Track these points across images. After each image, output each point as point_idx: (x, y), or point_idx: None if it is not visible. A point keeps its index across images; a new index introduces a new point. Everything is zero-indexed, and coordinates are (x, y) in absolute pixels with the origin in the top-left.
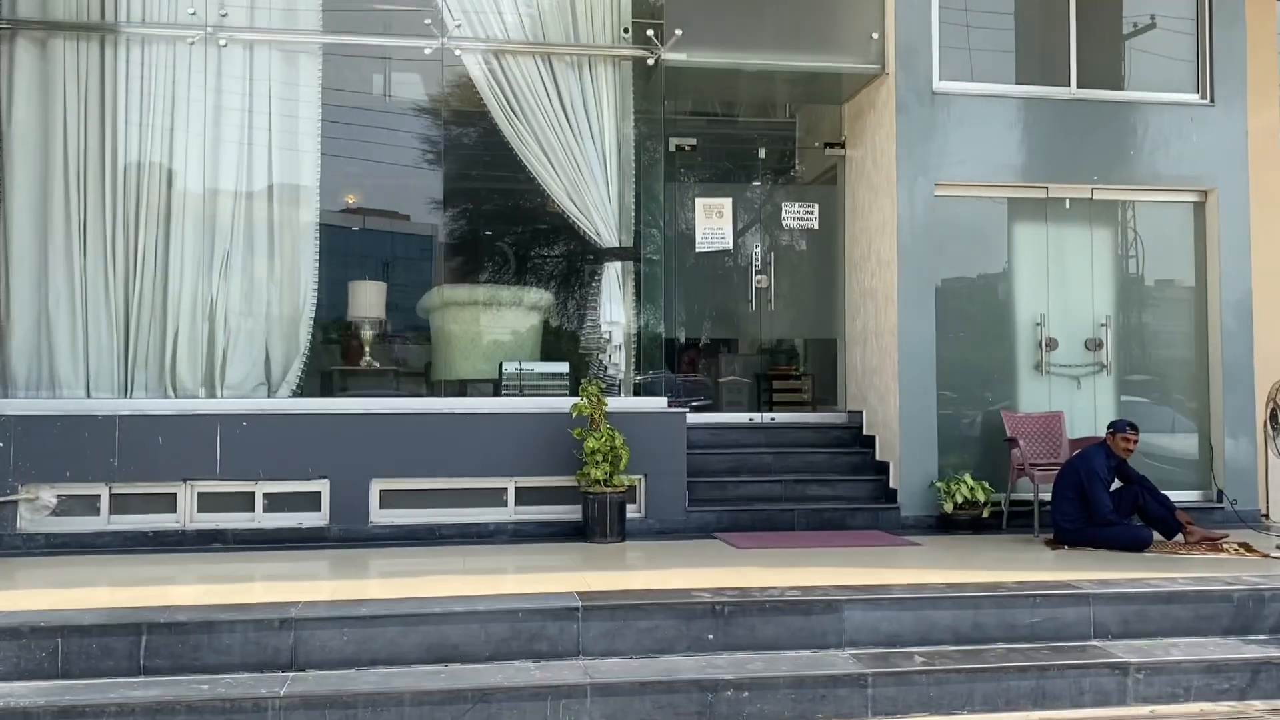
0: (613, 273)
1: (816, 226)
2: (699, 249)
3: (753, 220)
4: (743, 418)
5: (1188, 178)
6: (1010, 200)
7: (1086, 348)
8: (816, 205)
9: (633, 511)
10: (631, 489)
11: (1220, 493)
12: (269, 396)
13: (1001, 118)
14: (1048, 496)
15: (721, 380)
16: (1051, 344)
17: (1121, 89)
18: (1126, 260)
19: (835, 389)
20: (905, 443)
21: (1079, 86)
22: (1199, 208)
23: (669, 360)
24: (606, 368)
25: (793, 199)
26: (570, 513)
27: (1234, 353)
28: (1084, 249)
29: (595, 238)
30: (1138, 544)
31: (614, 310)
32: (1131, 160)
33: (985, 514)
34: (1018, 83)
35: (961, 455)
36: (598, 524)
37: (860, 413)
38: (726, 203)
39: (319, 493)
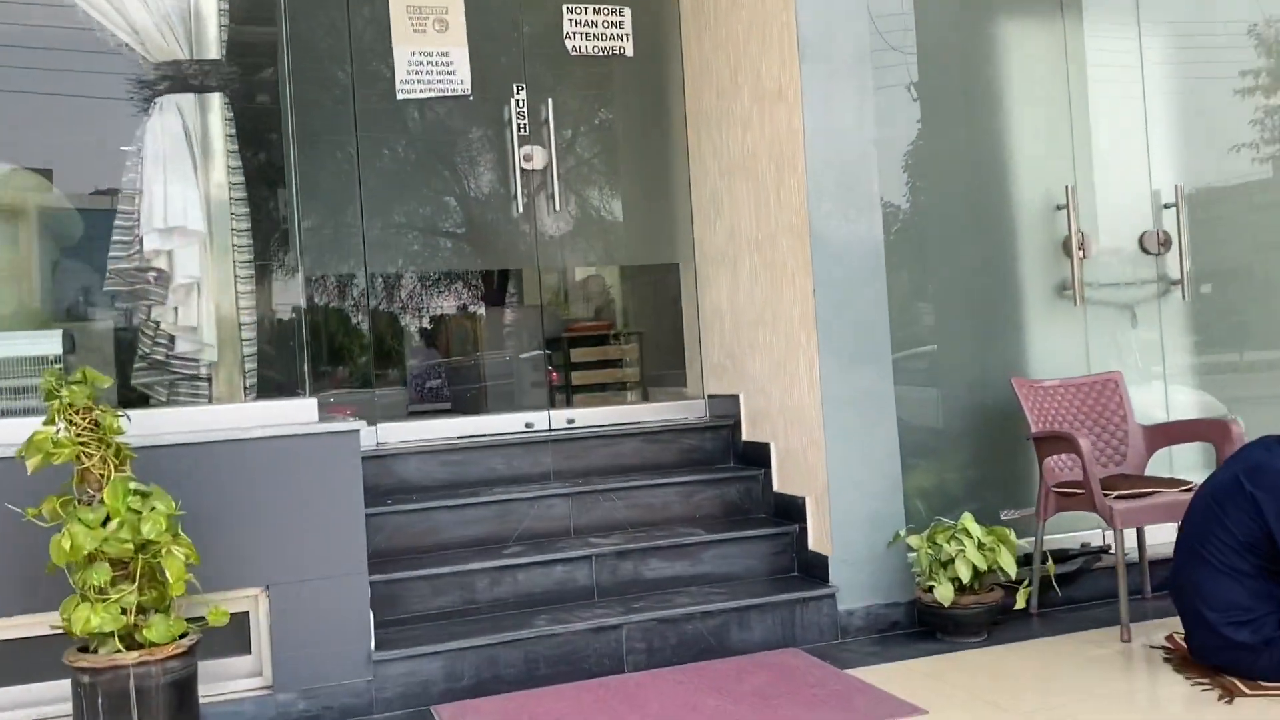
0: (174, 123)
1: (631, 51)
2: (402, 94)
3: (510, 44)
4: (514, 422)
5: None
6: None
7: (1143, 248)
8: (629, 10)
9: (240, 681)
10: (243, 629)
11: None
12: None
13: None
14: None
15: (467, 358)
16: (1085, 245)
17: None
18: (1202, 90)
19: (681, 359)
20: (836, 456)
21: None
22: None
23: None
24: (156, 342)
25: None
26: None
27: None
28: (1130, 67)
29: (137, 46)
30: None
31: (175, 205)
32: None
33: (1020, 601)
34: None
35: (939, 470)
36: None
37: (733, 399)
38: (454, 5)
39: None
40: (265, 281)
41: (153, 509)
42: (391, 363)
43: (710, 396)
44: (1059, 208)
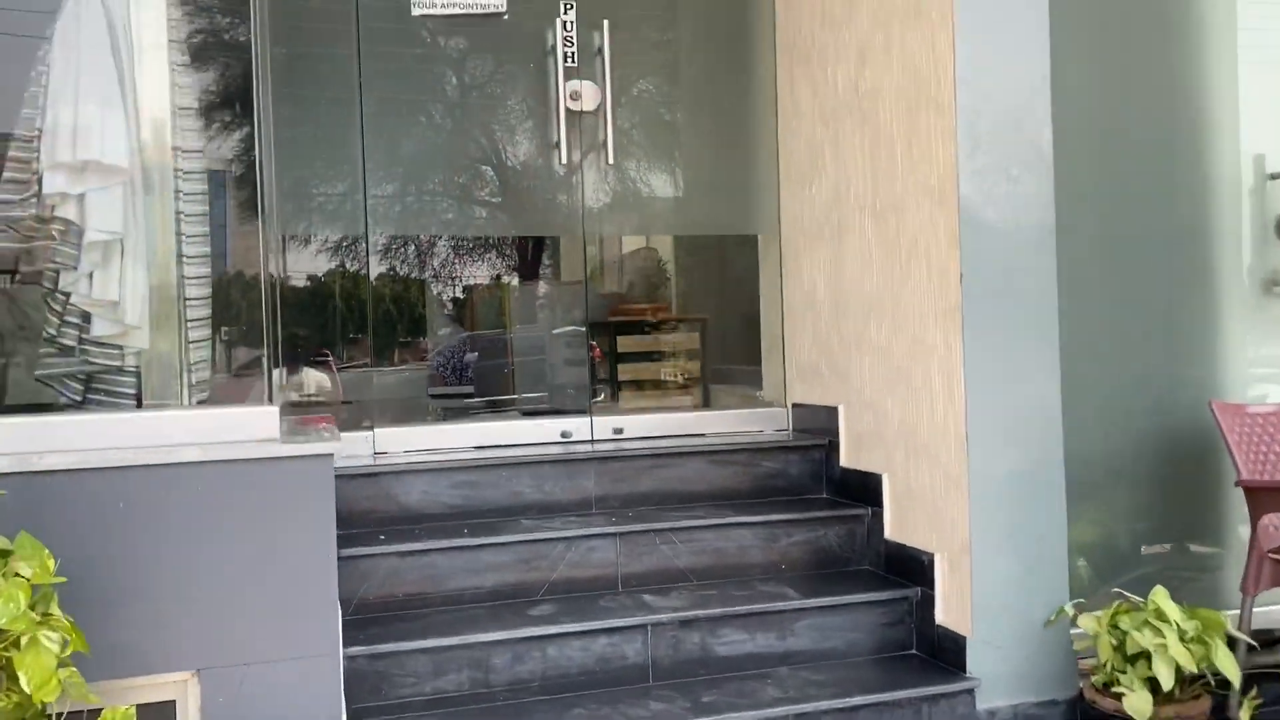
0: (94, 17)
1: None
2: (418, 9)
3: None
4: (548, 431)
5: None
6: None
7: None
8: None
9: None
10: None
11: None
12: None
13: None
14: None
15: (490, 351)
16: None
17: None
18: None
19: (755, 354)
20: (984, 503)
21: None
22: None
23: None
24: (66, 322)
25: None
26: None
27: None
28: None
29: None
30: None
31: (89, 133)
32: None
33: (1245, 717)
34: None
35: (1103, 519)
36: None
37: (828, 411)
38: None
39: None
40: (234, 243)
41: (13, 576)
42: (402, 341)
43: (796, 406)
44: (1272, 177)
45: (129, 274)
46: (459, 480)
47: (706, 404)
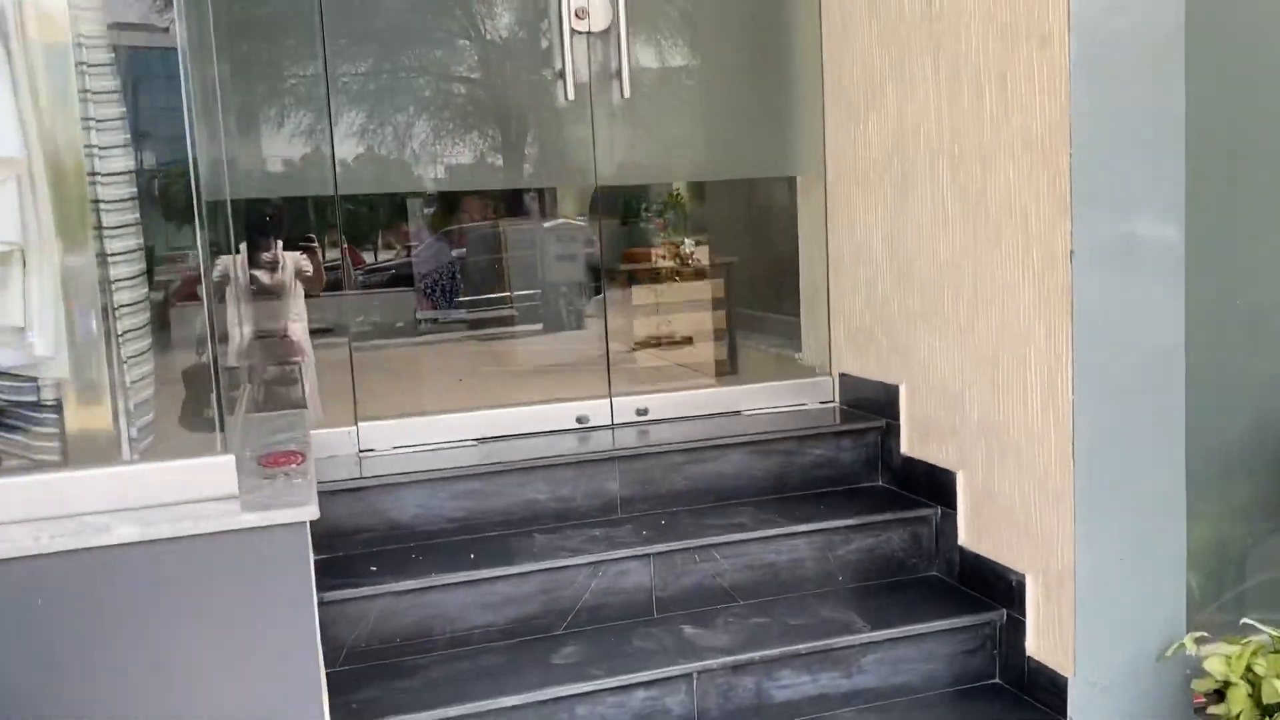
0: None
1: None
2: None
3: None
4: (561, 416)
5: None
6: None
7: None
8: None
9: None
10: None
11: None
12: None
13: None
14: None
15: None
16: None
17: None
18: None
19: (791, 308)
20: (1092, 521)
21: None
22: None
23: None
24: None
25: None
26: None
27: None
28: None
29: None
30: None
31: None
32: None
33: None
34: None
35: (1218, 529)
36: None
37: (885, 389)
38: None
39: None
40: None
41: None
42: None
43: (844, 376)
44: None
45: (35, 289)
46: (461, 490)
47: (733, 365)
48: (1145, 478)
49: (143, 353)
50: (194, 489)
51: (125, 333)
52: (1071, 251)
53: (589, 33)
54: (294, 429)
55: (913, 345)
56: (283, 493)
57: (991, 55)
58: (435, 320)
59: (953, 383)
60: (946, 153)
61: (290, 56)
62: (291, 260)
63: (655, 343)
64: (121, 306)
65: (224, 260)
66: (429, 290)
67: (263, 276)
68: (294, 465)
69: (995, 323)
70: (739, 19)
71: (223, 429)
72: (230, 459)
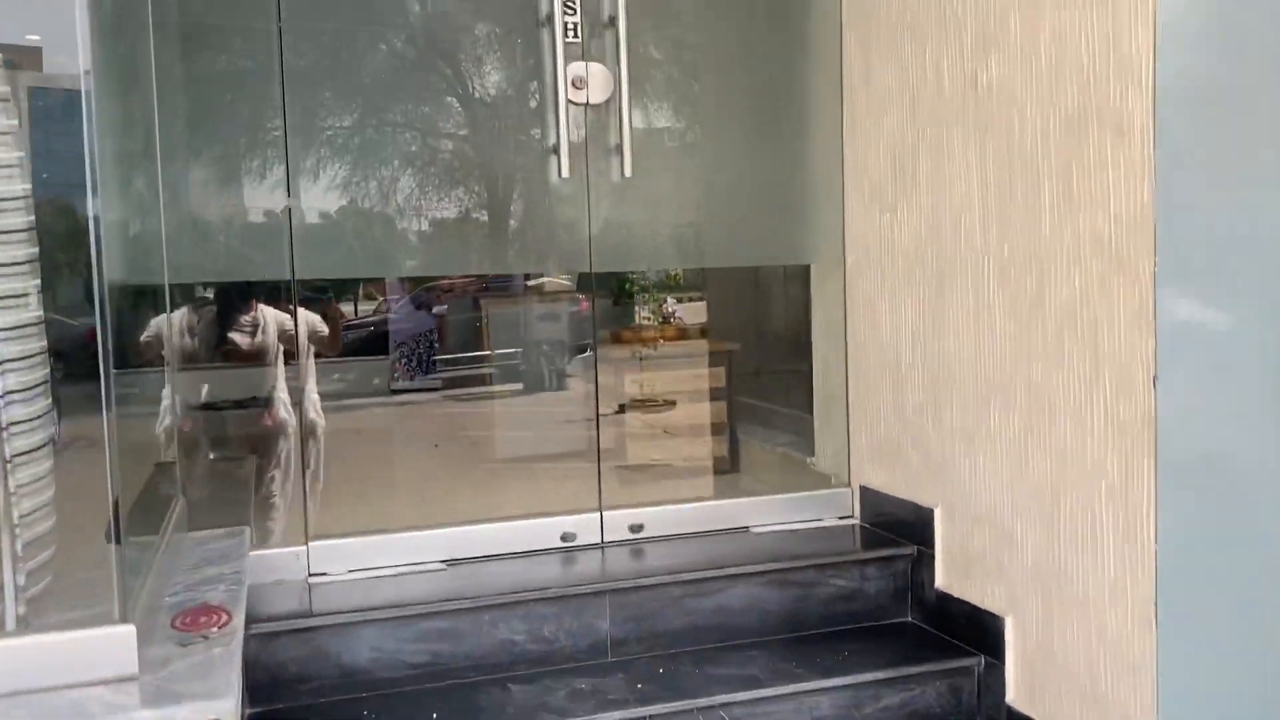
0: None
1: None
2: None
3: None
4: (543, 533)
5: None
6: None
7: None
8: None
9: None
10: None
11: None
12: None
13: None
14: None
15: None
16: None
17: None
18: None
19: (801, 401)
20: (1181, 705)
21: None
22: None
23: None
24: None
25: None
26: None
27: None
28: None
29: None
30: None
31: None
32: None
33: None
34: None
35: None
36: None
37: (917, 510)
38: None
39: None
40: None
41: None
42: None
43: (865, 490)
44: None
45: None
46: (426, 630)
47: (734, 463)
48: (1249, 659)
49: (40, 478)
50: (84, 669)
51: (16, 456)
52: (1155, 377)
53: (586, 104)
54: (229, 559)
55: (950, 464)
56: (197, 673)
57: (1054, 142)
58: (410, 390)
59: (1001, 513)
60: (994, 252)
61: (247, 112)
62: (274, 319)
63: (649, 435)
64: (15, 424)
65: (156, 323)
66: (406, 360)
67: (239, 340)
68: (216, 629)
69: (1055, 450)
70: (751, 90)
71: (123, 592)
72: (130, 630)
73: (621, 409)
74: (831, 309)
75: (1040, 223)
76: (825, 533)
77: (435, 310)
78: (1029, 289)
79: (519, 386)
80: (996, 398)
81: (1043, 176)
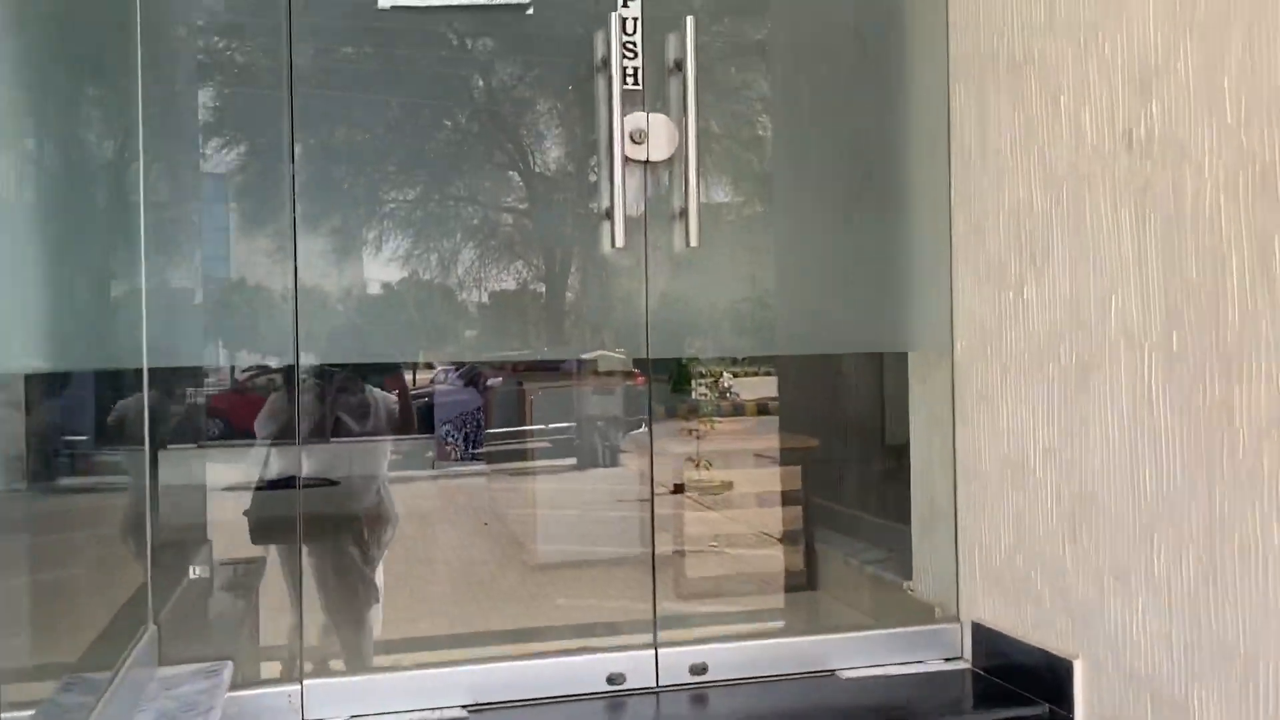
0: None
1: None
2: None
3: None
4: (587, 673)
5: None
6: None
7: None
8: None
9: None
10: None
11: None
12: None
13: None
14: None
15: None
16: None
17: None
18: None
19: (898, 520)
20: None
21: None
22: None
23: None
24: None
25: None
26: None
27: None
28: None
29: None
30: None
31: None
32: None
33: None
34: None
35: None
36: None
37: (1052, 661)
38: None
39: None
40: None
41: None
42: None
43: (979, 627)
44: None
45: None
46: None
47: (811, 580)
48: None
49: None
50: None
51: None
52: None
53: (647, 161)
54: (199, 707)
55: (1097, 608)
56: None
57: (1241, 209)
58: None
59: (1168, 676)
60: (1158, 344)
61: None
62: (384, 401)
63: (713, 548)
64: None
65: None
66: (454, 438)
67: (350, 422)
68: None
69: (1249, 602)
70: (837, 145)
71: None
72: None
73: (678, 489)
74: (935, 407)
75: (1224, 307)
76: (931, 680)
77: (487, 384)
78: (1207, 390)
79: (571, 464)
80: (1162, 528)
81: (1227, 251)
